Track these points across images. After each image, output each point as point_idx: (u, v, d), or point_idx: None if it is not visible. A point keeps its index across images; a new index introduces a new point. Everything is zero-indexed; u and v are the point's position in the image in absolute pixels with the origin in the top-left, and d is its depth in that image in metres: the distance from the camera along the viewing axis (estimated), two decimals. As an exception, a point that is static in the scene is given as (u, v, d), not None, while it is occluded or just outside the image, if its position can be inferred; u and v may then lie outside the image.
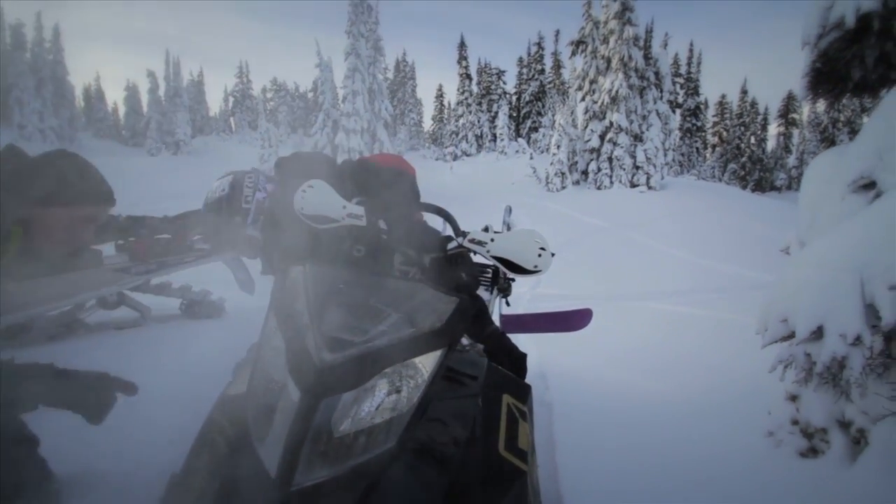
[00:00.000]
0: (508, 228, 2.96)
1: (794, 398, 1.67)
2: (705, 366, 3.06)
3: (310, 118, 32.30)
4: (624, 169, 16.29)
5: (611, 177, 16.62)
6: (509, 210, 3.17)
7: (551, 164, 17.66)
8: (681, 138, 30.02)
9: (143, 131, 28.90)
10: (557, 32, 33.59)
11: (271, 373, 0.83)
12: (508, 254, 1.11)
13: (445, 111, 37.05)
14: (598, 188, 16.60)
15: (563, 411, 2.29)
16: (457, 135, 31.33)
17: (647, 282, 6.80)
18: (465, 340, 1.16)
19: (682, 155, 30.26)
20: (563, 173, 17.50)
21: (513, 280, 2.56)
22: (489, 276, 2.65)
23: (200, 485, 0.74)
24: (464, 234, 1.18)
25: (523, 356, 1.45)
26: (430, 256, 1.25)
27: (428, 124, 38.95)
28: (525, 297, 5.96)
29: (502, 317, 2.46)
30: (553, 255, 1.16)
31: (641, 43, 17.08)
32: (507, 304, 2.55)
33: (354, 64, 17.50)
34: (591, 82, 17.39)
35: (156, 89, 28.15)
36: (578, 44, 18.06)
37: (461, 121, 31.45)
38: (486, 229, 1.14)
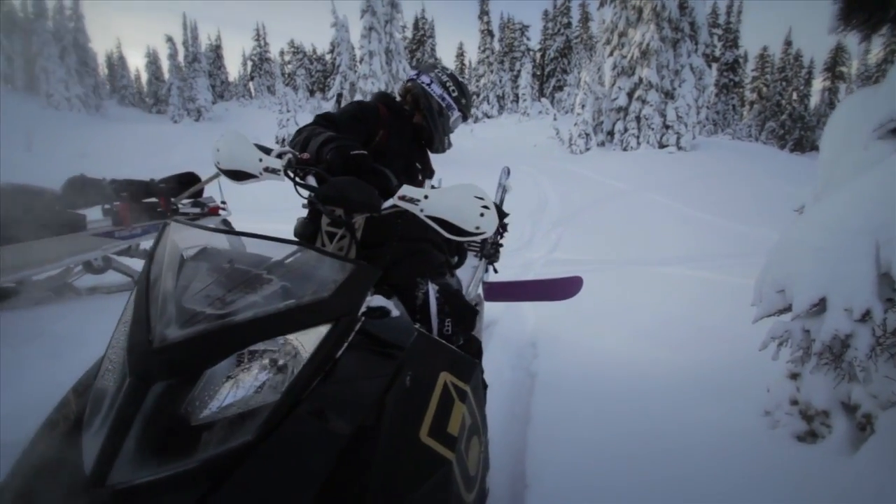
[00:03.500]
0: (504, 193, 2.75)
1: (794, 376, 1.48)
2: (717, 335, 2.86)
3: (328, 81, 31.79)
4: (652, 129, 15.47)
5: (638, 137, 15.82)
6: (507, 172, 2.94)
7: (575, 124, 16.94)
8: (716, 95, 28.25)
9: (165, 98, 29.10)
10: (586, -19, 31.49)
11: (116, 352, 0.71)
12: (444, 213, 0.95)
13: (466, 71, 35.83)
14: (625, 149, 15.86)
15: (550, 381, 2.17)
16: (478, 96, 30.32)
17: (669, 246, 6.51)
18: (396, 311, 1.02)
19: (717, 113, 28.56)
20: (587, 134, 16.78)
21: (500, 245, 2.40)
22: (478, 241, 2.48)
23: (20, 489, 0.64)
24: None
25: (474, 312, 1.34)
26: (363, 217, 1.11)
27: (449, 85, 37.78)
28: (539, 261, 5.79)
29: (484, 284, 2.31)
30: (507, 214, 1.01)
31: (677, -10, 15.83)
32: (496, 270, 2.40)
33: (370, 22, 16.90)
34: (621, 35, 16.33)
35: (175, 55, 28.09)
36: (607, -7, 16.92)
37: (482, 80, 30.35)
38: (432, 186, 0.99)
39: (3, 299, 2.54)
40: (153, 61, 34.10)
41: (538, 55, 33.00)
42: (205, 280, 0.77)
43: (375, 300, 1.01)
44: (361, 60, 17.03)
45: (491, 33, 31.14)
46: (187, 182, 3.13)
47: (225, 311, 0.72)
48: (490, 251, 2.29)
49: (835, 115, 1.53)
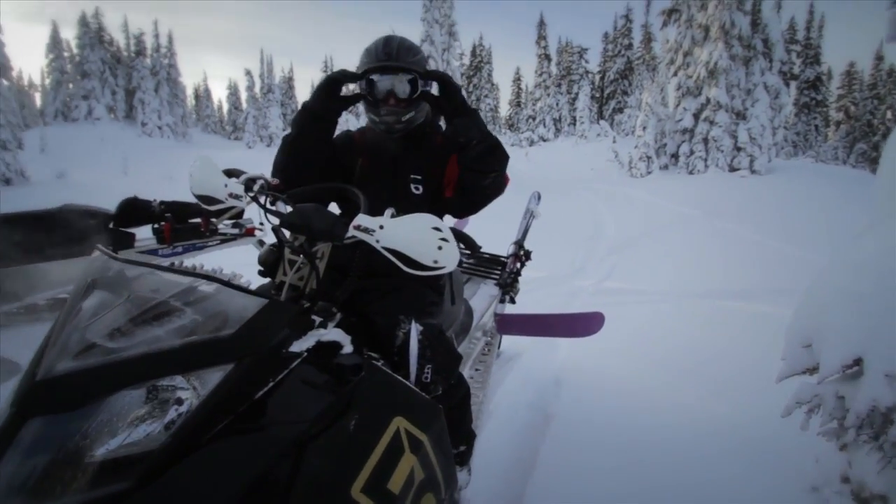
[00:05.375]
0: (531, 219, 2.61)
1: (845, 446, 1.22)
2: (777, 384, 2.52)
3: (390, 108, 32.94)
4: (722, 151, 14.58)
5: (706, 160, 14.97)
6: (537, 197, 2.78)
7: (636, 147, 16.37)
8: (796, 115, 26.23)
9: (242, 126, 31.67)
10: (648, 2, 30.74)
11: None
12: (401, 245, 0.89)
13: (522, 95, 35.93)
14: (691, 173, 15.03)
15: (568, 426, 1.97)
16: (534, 119, 30.22)
17: (738, 277, 5.95)
18: (349, 347, 0.95)
19: (798, 134, 26.45)
20: (648, 157, 16.13)
21: (518, 275, 2.27)
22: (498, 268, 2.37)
23: None
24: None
25: (457, 359, 1.22)
26: (326, 245, 1.06)
27: (504, 109, 38.08)
28: (587, 290, 5.52)
29: (496, 316, 2.17)
30: (479, 248, 0.94)
31: (748, 7, 15.02)
32: (513, 301, 2.26)
33: (428, 51, 17.47)
34: (685, 55, 15.74)
35: (252, 87, 30.62)
36: (671, 13, 16.41)
37: (538, 104, 30.23)
38: (392, 215, 0.93)
39: (57, 310, 2.77)
40: (234, 93, 37.39)
41: (597, 77, 32.47)
42: (113, 310, 0.75)
43: (330, 334, 0.95)
44: (419, 87, 17.58)
45: (548, 57, 31.11)
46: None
47: (120, 344, 0.69)
48: (506, 280, 2.16)
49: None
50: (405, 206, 1.14)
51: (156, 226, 3.15)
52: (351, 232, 0.94)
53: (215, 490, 0.64)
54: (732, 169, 14.41)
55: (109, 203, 3.15)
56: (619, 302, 4.87)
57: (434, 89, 1.35)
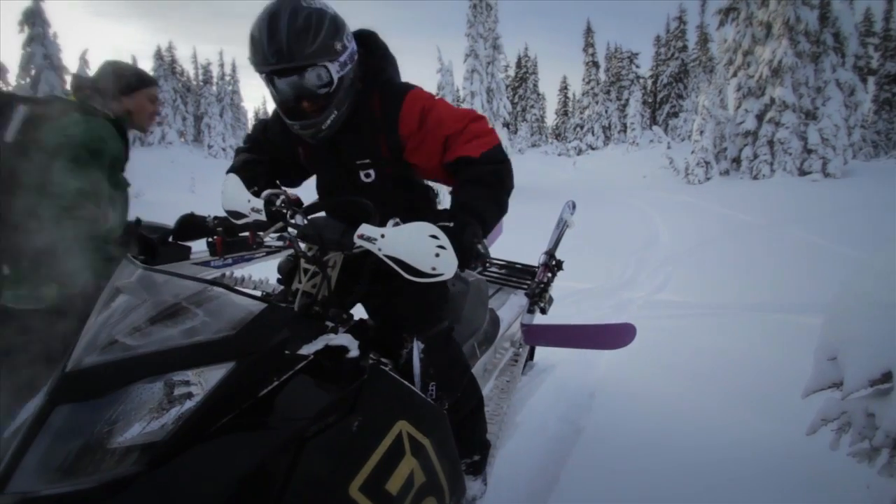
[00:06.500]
0: (565, 228, 2.54)
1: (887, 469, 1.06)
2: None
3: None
4: (790, 154, 13.55)
5: (772, 164, 13.96)
6: (572, 206, 2.69)
7: (692, 152, 15.58)
8: (876, 112, 24.05)
9: (297, 144, 33.53)
10: (704, 2, 29.46)
11: None
12: (401, 253, 0.90)
13: (569, 104, 35.42)
14: (755, 178, 14.05)
15: (598, 440, 1.85)
16: (581, 128, 29.69)
17: (809, 291, 5.44)
18: (355, 351, 0.97)
19: (878, 133, 24.21)
20: (706, 162, 15.29)
21: (548, 285, 2.20)
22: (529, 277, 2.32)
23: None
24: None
25: (463, 372, 1.20)
26: (338, 255, 1.08)
27: (551, 119, 37.67)
28: (636, 302, 5.24)
29: (523, 326, 2.11)
30: (481, 257, 0.94)
31: (815, 1, 13.99)
32: (543, 312, 2.18)
33: (473, 65, 17.68)
34: (746, 54, 14.89)
35: (307, 107, 32.35)
36: (728, 11, 15.62)
37: (586, 112, 29.73)
38: (395, 223, 0.94)
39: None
40: (290, 113, 39.64)
41: (649, 82, 31.44)
42: (135, 311, 0.82)
43: (339, 339, 0.98)
44: (464, 100, 17.77)
45: (596, 64, 30.57)
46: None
47: (138, 341, 0.76)
48: (535, 290, 2.10)
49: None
50: (362, 196, 1.01)
51: (209, 240, 3.34)
52: (356, 241, 0.95)
53: (215, 478, 0.68)
54: (803, 172, 13.38)
55: (175, 219, 3.41)
56: (673, 315, 4.57)
57: (349, 60, 1.06)
